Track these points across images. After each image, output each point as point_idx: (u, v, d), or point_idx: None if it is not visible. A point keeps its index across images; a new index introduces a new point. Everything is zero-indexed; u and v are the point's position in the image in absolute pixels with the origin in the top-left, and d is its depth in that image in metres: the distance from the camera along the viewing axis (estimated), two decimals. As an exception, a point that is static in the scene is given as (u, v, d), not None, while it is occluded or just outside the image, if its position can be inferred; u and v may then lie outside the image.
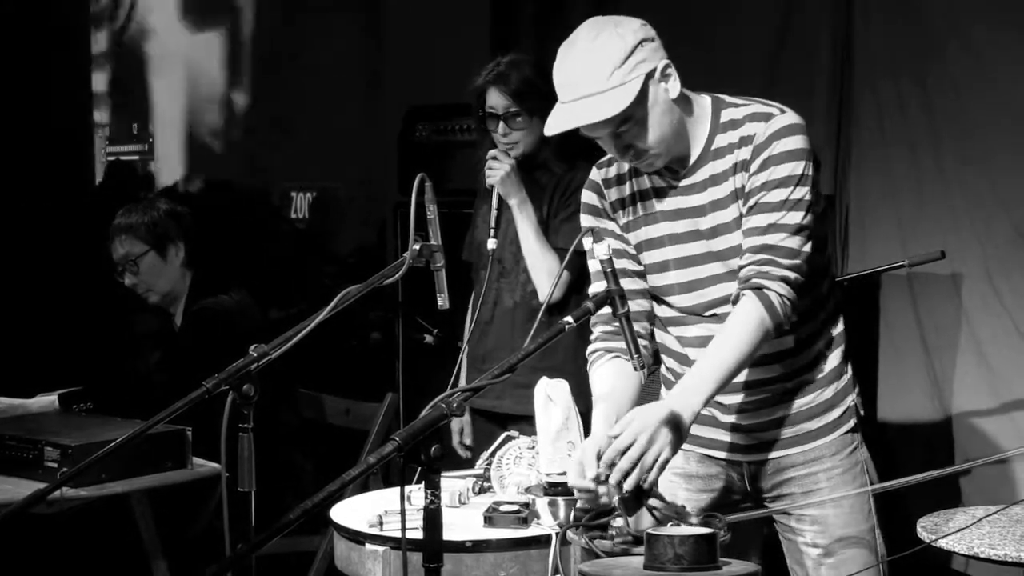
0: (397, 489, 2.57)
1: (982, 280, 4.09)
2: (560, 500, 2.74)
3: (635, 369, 2.56)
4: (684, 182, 2.66)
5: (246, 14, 7.58)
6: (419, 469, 2.15)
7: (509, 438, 3.12)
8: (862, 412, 2.80)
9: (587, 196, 2.78)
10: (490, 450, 3.14)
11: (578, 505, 2.49)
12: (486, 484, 3.12)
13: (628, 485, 2.34)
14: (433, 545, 2.14)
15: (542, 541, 2.75)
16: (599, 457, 2.38)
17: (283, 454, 4.31)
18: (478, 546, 2.74)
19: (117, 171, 8.21)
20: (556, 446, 2.93)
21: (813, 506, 2.72)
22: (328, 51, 7.03)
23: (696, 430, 2.77)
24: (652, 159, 2.61)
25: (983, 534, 3.06)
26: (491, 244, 3.68)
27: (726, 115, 2.64)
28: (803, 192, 2.55)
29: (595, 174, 2.78)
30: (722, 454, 2.77)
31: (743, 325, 2.50)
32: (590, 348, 2.77)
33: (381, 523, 2.86)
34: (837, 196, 4.44)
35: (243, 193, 7.32)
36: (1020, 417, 4.02)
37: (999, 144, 4.05)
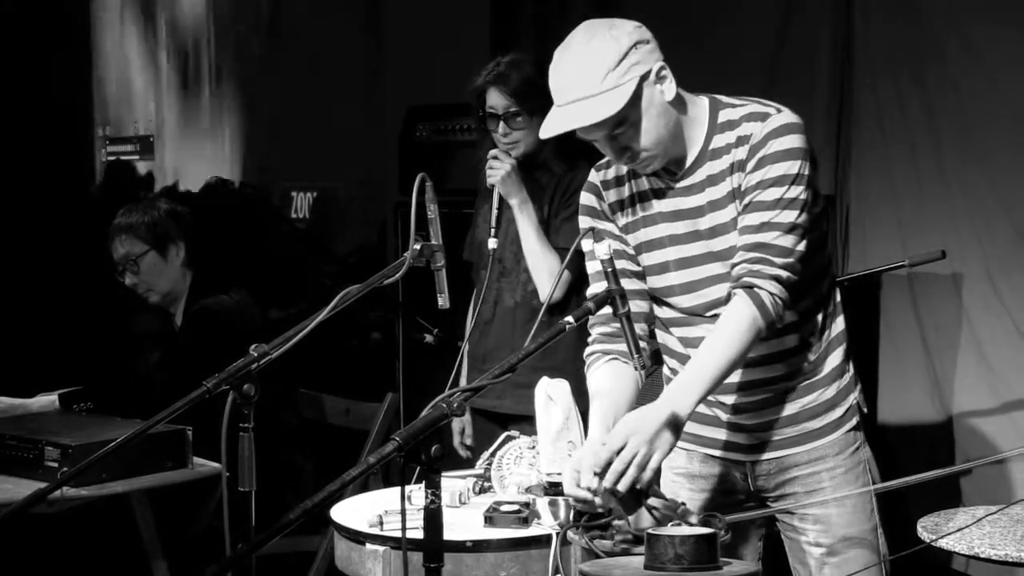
0: (397, 489, 2.57)
1: (982, 280, 4.09)
2: (560, 500, 2.73)
3: (636, 369, 2.56)
4: (682, 183, 2.66)
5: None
6: (419, 469, 2.15)
7: (509, 438, 3.12)
8: (865, 409, 2.80)
9: (585, 198, 2.78)
10: (490, 450, 3.14)
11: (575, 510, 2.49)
12: (486, 484, 3.12)
13: (622, 486, 2.34)
14: (433, 545, 2.14)
15: (542, 541, 2.75)
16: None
17: (283, 454, 4.31)
18: (478, 546, 2.74)
19: (117, 171, 8.21)
20: (557, 446, 2.93)
21: (816, 505, 2.72)
22: (328, 51, 7.03)
23: (699, 430, 2.78)
24: (649, 161, 2.60)
25: (983, 534, 3.06)
26: (492, 244, 3.68)
27: (723, 115, 2.64)
28: (798, 191, 2.54)
29: (593, 176, 2.78)
30: (725, 454, 2.77)
31: (734, 325, 2.49)
32: (587, 350, 2.77)
33: (381, 523, 2.86)
34: (837, 196, 4.44)
35: (243, 193, 7.32)
36: (1020, 417, 4.02)
37: (999, 144, 4.05)
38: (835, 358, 2.74)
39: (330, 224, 7.02)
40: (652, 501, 2.37)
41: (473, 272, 3.95)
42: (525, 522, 2.82)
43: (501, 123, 3.69)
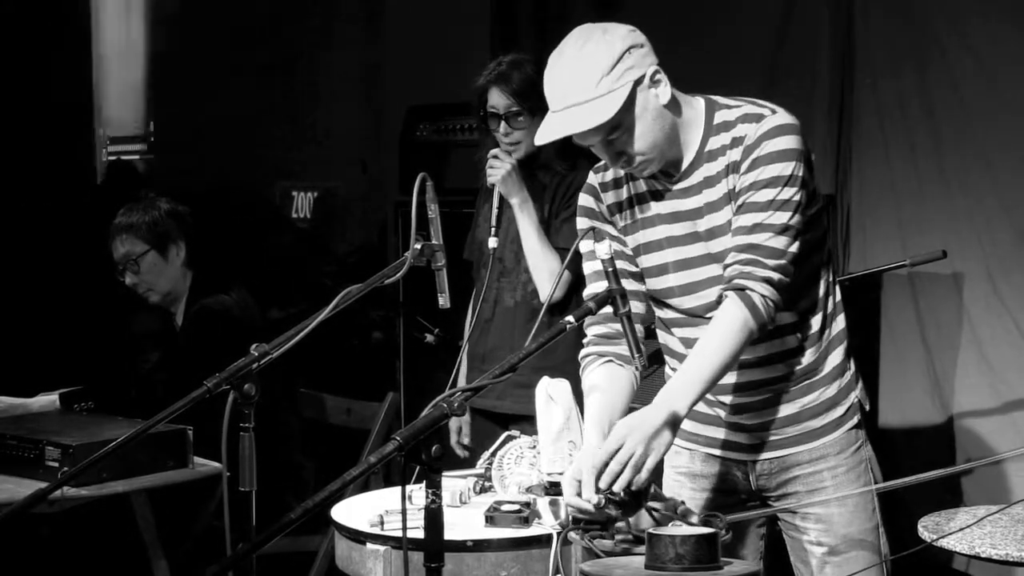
0: (398, 488, 2.57)
1: (983, 280, 4.09)
2: (561, 500, 2.73)
3: (636, 370, 2.56)
4: (679, 185, 2.66)
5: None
6: (420, 468, 2.15)
7: (510, 437, 3.12)
8: (867, 407, 2.80)
9: (584, 199, 2.78)
10: (491, 450, 3.14)
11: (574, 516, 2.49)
12: (487, 484, 3.12)
13: (618, 487, 2.34)
14: (434, 545, 2.14)
15: (543, 541, 2.75)
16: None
17: (284, 454, 4.31)
18: (479, 546, 2.74)
19: (118, 171, 8.21)
20: (557, 446, 2.93)
21: (817, 505, 2.72)
22: (329, 50, 7.03)
23: (700, 429, 2.78)
24: (645, 165, 2.60)
25: (984, 534, 3.06)
26: (492, 243, 3.68)
27: (719, 117, 2.64)
28: (791, 192, 2.53)
29: (592, 178, 2.78)
30: (726, 453, 2.78)
31: (726, 327, 2.50)
32: (583, 352, 2.77)
33: (382, 523, 2.86)
34: (838, 196, 4.44)
35: (243, 193, 7.32)
36: (1021, 417, 4.02)
37: (1000, 143, 4.05)
38: (836, 357, 2.74)
39: (331, 224, 7.02)
40: (652, 502, 2.37)
41: (473, 271, 3.95)
42: (526, 522, 2.82)
43: (502, 123, 3.69)
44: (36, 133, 7.16)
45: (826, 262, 2.74)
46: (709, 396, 2.72)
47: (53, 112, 7.37)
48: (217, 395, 2.48)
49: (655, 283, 2.72)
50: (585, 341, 2.77)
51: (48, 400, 4.16)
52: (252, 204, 7.29)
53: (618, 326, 2.68)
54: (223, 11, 7.41)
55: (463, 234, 4.00)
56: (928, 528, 3.17)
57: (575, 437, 2.81)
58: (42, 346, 6.34)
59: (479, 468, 3.20)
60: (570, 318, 2.43)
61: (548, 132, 2.55)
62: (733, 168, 2.58)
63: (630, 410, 3.67)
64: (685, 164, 2.64)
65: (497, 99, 3.69)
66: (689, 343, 2.72)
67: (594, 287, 2.73)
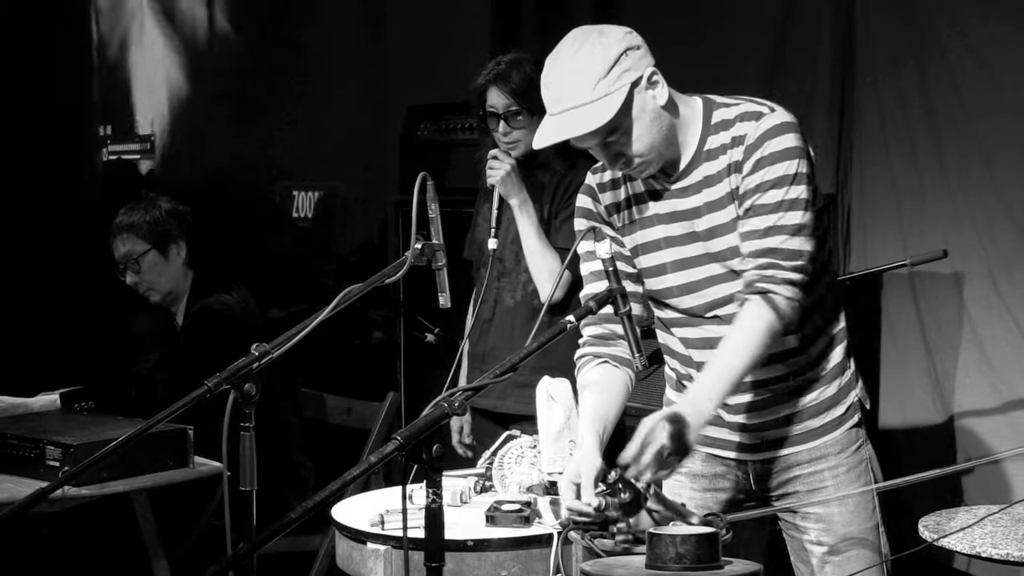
0: (399, 488, 2.57)
1: (984, 279, 4.08)
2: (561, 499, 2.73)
3: (637, 369, 2.56)
4: (678, 184, 2.65)
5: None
6: (420, 468, 2.15)
7: (511, 437, 3.12)
8: (867, 406, 2.80)
9: (582, 200, 2.78)
10: (492, 449, 3.14)
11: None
12: (488, 483, 3.12)
13: (642, 482, 2.35)
14: (435, 544, 2.14)
15: (544, 540, 2.75)
16: (599, 478, 2.41)
17: (285, 453, 4.31)
18: (480, 545, 2.74)
19: (119, 170, 8.21)
20: (558, 445, 2.93)
21: (818, 504, 2.72)
22: (330, 50, 7.03)
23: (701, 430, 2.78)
24: (643, 167, 2.61)
25: (985, 533, 3.06)
26: (492, 244, 3.69)
27: (718, 115, 2.64)
28: (799, 191, 2.54)
29: (590, 179, 2.78)
30: (727, 453, 2.77)
31: (750, 329, 2.50)
32: (578, 353, 2.77)
33: (383, 522, 2.86)
34: (838, 195, 4.43)
35: (244, 192, 7.32)
36: (1021, 416, 4.01)
37: (1001, 142, 4.05)
38: (836, 356, 2.75)
39: (332, 223, 7.02)
40: (652, 503, 2.37)
41: (473, 271, 3.95)
42: (526, 521, 2.82)
43: (501, 122, 3.69)
44: (36, 133, 7.15)
45: (826, 261, 2.74)
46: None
47: (53, 112, 7.37)
48: (218, 395, 2.48)
49: (654, 283, 2.72)
50: (581, 342, 2.77)
51: (49, 400, 4.16)
52: (253, 204, 7.29)
53: (614, 327, 2.68)
54: (223, 11, 7.41)
55: (464, 234, 4.00)
56: (929, 528, 3.17)
57: (576, 437, 2.81)
58: (42, 346, 6.34)
59: (480, 468, 3.20)
60: (571, 317, 2.43)
61: (546, 136, 2.56)
62: (735, 168, 2.58)
63: (629, 410, 3.69)
64: (683, 164, 2.64)
65: (496, 99, 3.69)
66: (689, 343, 2.72)
67: (591, 288, 2.73)
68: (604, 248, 2.49)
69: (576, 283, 3.58)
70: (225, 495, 2.55)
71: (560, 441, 2.93)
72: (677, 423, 2.39)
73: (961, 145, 4.14)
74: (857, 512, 2.74)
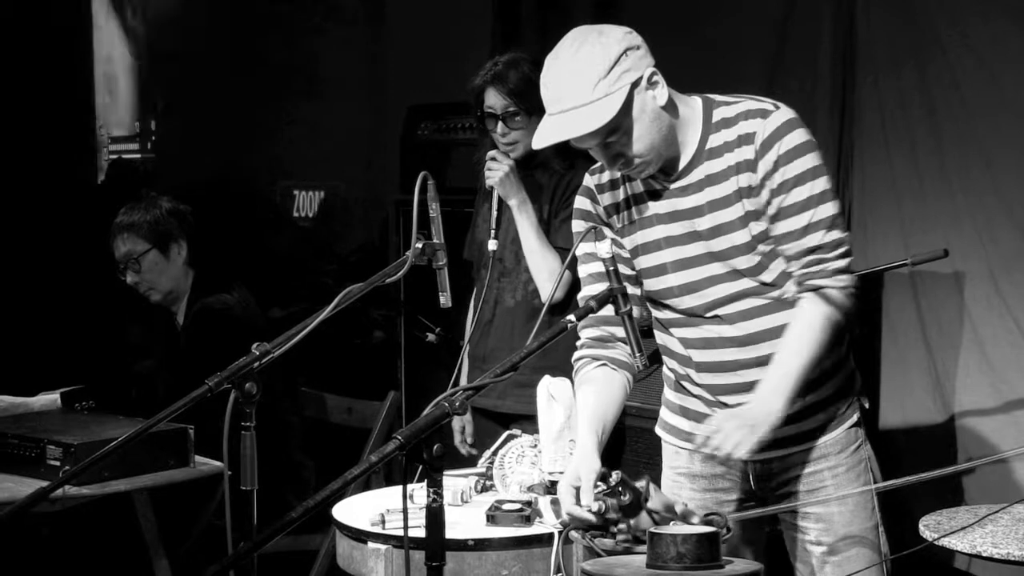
0: (399, 487, 2.57)
1: (985, 279, 4.08)
2: (562, 499, 2.73)
3: (637, 369, 2.56)
4: (678, 183, 2.66)
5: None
6: (421, 467, 2.15)
7: (511, 436, 3.12)
8: (867, 406, 2.81)
9: (580, 202, 2.78)
10: (492, 448, 3.14)
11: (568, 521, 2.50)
12: (488, 483, 3.12)
13: (640, 484, 2.38)
14: (435, 544, 2.14)
15: (544, 540, 2.75)
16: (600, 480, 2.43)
17: (285, 453, 4.31)
18: (480, 545, 2.74)
19: (119, 169, 8.21)
20: (559, 444, 2.94)
21: (818, 504, 2.72)
22: (330, 49, 7.03)
23: (700, 429, 2.77)
24: (643, 167, 2.61)
25: (985, 533, 3.06)
26: (492, 245, 3.69)
27: (718, 114, 2.64)
28: (823, 183, 2.59)
29: (588, 180, 2.78)
30: (728, 453, 2.77)
31: (808, 326, 2.58)
32: (576, 355, 2.77)
33: (383, 522, 2.86)
34: (839, 194, 4.43)
35: (245, 192, 7.32)
36: (1022, 416, 4.01)
37: (1001, 142, 4.05)
38: (835, 355, 2.74)
39: (332, 223, 7.02)
40: (651, 504, 2.37)
41: (473, 271, 3.95)
42: (527, 521, 2.82)
43: (500, 123, 3.69)
44: (37, 133, 7.16)
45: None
46: (709, 397, 2.73)
47: (54, 112, 7.37)
48: (218, 394, 2.48)
49: (653, 284, 2.72)
50: (578, 344, 2.77)
51: (49, 399, 4.16)
52: (253, 203, 7.29)
53: (613, 329, 2.69)
54: (224, 10, 7.41)
55: (464, 233, 4.00)
56: (929, 527, 3.17)
57: (576, 436, 2.81)
58: (43, 345, 6.34)
59: (480, 467, 3.20)
60: (571, 317, 2.43)
61: (545, 136, 2.56)
62: (746, 166, 2.59)
63: (629, 409, 3.69)
64: (683, 162, 2.64)
65: (494, 99, 3.69)
66: (688, 343, 2.72)
67: (589, 290, 2.73)
68: (605, 247, 2.49)
69: (576, 283, 3.58)
70: (226, 494, 2.55)
71: (561, 440, 2.93)
72: (746, 420, 2.50)
73: (961, 145, 4.14)
74: (857, 512, 2.74)
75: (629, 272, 2.72)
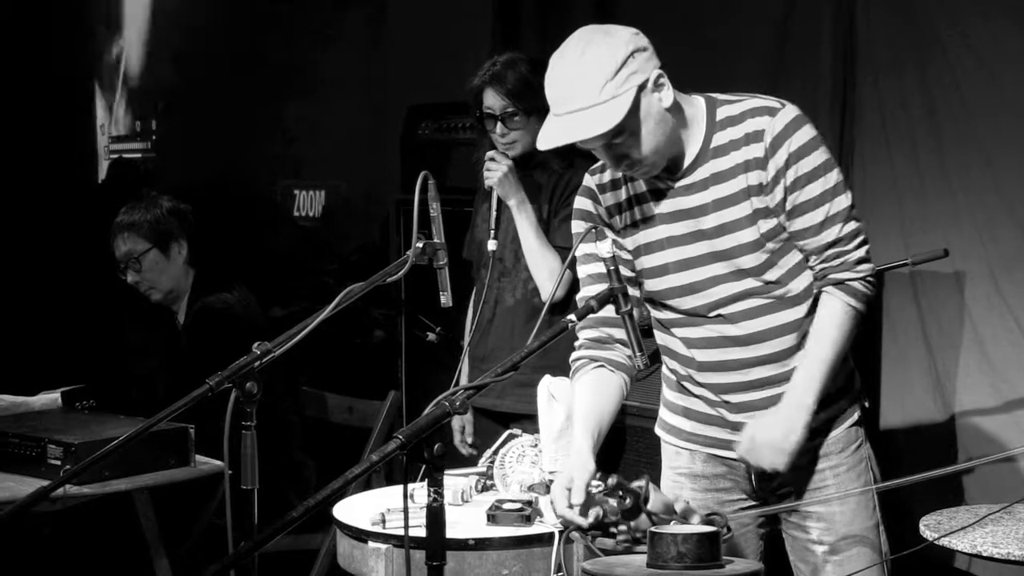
0: (400, 487, 2.57)
1: (985, 278, 4.08)
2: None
3: (637, 368, 2.56)
4: (682, 182, 2.65)
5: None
6: (422, 467, 2.15)
7: (512, 436, 3.12)
8: (867, 404, 2.81)
9: (581, 202, 2.78)
10: (493, 448, 3.14)
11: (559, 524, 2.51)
12: (489, 482, 3.12)
13: (638, 484, 2.38)
14: (436, 543, 2.14)
15: (545, 539, 2.75)
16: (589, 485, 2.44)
17: (286, 452, 4.31)
18: (481, 544, 2.75)
19: (120, 169, 8.22)
20: (559, 444, 2.94)
21: (819, 503, 2.72)
22: (330, 49, 7.03)
23: (703, 430, 2.78)
24: (648, 169, 2.61)
25: (986, 532, 3.05)
26: (491, 245, 3.69)
27: (722, 112, 2.64)
28: (835, 177, 2.62)
29: (589, 180, 2.77)
30: (729, 453, 2.77)
31: (830, 319, 2.62)
32: (574, 355, 2.77)
33: (384, 521, 2.86)
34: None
35: (245, 191, 7.32)
36: (1023, 415, 4.01)
37: (1002, 142, 4.04)
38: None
39: (333, 222, 7.02)
40: (651, 505, 2.37)
41: (473, 271, 3.95)
42: (528, 520, 2.82)
43: (498, 123, 3.69)
44: (38, 133, 7.16)
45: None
46: (712, 396, 2.73)
47: (54, 111, 7.37)
48: (219, 393, 2.48)
49: (654, 284, 2.72)
50: (576, 344, 2.77)
51: (50, 398, 4.16)
52: (254, 203, 7.30)
53: (611, 330, 2.69)
54: (224, 10, 7.41)
55: (464, 233, 4.00)
56: (930, 527, 3.16)
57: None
58: (44, 344, 6.35)
59: (481, 466, 3.20)
60: (572, 316, 2.43)
61: (551, 137, 2.55)
62: (756, 164, 2.59)
63: (629, 409, 3.69)
64: (687, 161, 2.64)
65: (492, 100, 3.69)
66: (691, 343, 2.72)
67: (588, 290, 2.73)
68: (605, 247, 2.49)
69: (577, 282, 3.58)
70: (226, 494, 2.55)
71: (561, 440, 2.93)
72: (787, 426, 2.60)
73: (962, 144, 4.14)
74: (858, 511, 2.74)
75: (629, 273, 2.72)
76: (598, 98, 2.49)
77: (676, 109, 2.59)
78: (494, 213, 3.70)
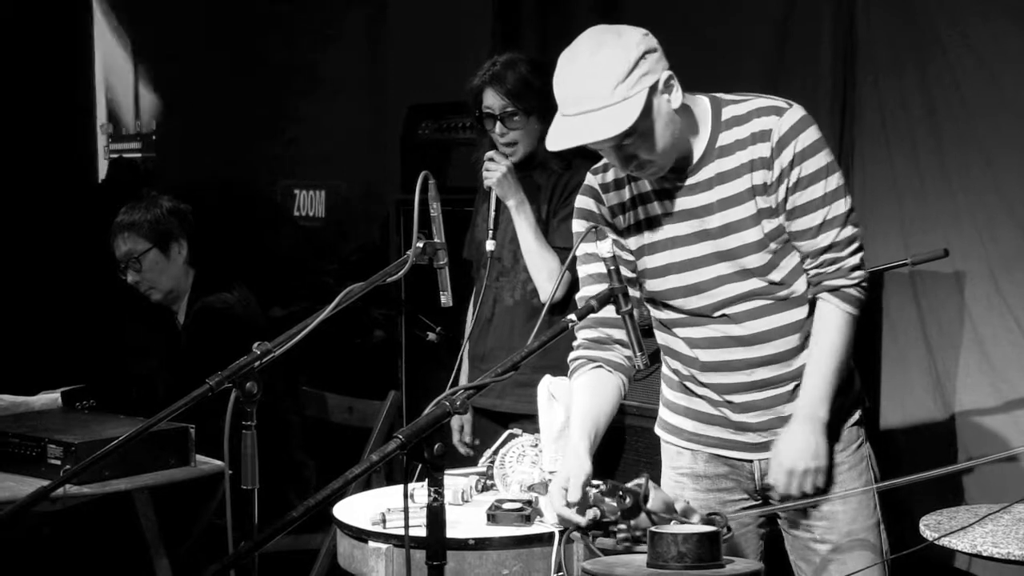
0: (400, 487, 2.57)
1: (985, 278, 4.08)
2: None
3: (637, 368, 2.56)
4: (687, 182, 2.65)
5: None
6: (422, 467, 2.15)
7: (512, 436, 3.12)
8: (867, 404, 2.81)
9: (583, 201, 2.77)
10: (493, 448, 3.14)
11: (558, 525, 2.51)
12: (489, 482, 3.12)
13: (635, 484, 2.36)
14: (436, 543, 2.14)
15: (545, 539, 2.75)
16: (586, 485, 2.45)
17: (286, 452, 4.31)
18: (481, 544, 2.75)
19: (120, 168, 8.21)
20: (559, 444, 2.94)
21: (821, 502, 2.72)
22: (330, 48, 7.03)
23: (706, 430, 2.78)
24: (656, 170, 2.61)
25: (986, 532, 3.05)
26: (490, 245, 3.69)
27: (728, 112, 2.64)
28: (836, 180, 2.62)
29: (591, 179, 2.77)
30: (732, 453, 2.77)
31: (831, 329, 2.64)
32: (572, 355, 2.77)
33: (384, 521, 2.86)
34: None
35: (245, 191, 7.32)
36: (1023, 415, 4.01)
37: (1001, 142, 4.05)
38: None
39: (333, 222, 7.02)
40: (651, 504, 2.37)
41: (473, 271, 3.95)
42: (528, 520, 2.82)
43: (498, 123, 3.69)
44: (37, 132, 7.16)
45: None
46: (715, 397, 2.73)
47: (54, 111, 7.37)
48: (219, 393, 2.48)
49: (656, 284, 2.72)
50: (575, 344, 2.77)
51: (50, 398, 4.16)
52: (254, 202, 7.29)
53: (610, 331, 2.69)
54: (224, 10, 7.41)
55: (465, 233, 4.00)
56: (930, 526, 3.16)
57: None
58: (44, 344, 6.34)
59: (481, 466, 3.20)
60: (572, 316, 2.43)
61: (562, 138, 2.53)
62: (762, 164, 2.59)
63: (629, 409, 3.69)
64: (693, 161, 2.64)
65: (492, 100, 3.69)
66: (694, 343, 2.72)
67: (588, 290, 2.73)
68: (606, 247, 2.49)
69: (576, 282, 3.58)
70: (227, 494, 2.55)
71: (561, 440, 2.93)
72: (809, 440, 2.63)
73: (962, 144, 4.14)
74: (860, 510, 2.74)
75: (630, 273, 2.72)
76: (610, 99, 2.48)
77: (683, 110, 2.59)
78: (492, 213, 3.70)
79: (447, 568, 2.16)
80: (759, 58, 4.65)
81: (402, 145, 5.31)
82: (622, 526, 2.37)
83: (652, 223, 2.69)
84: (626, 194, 2.72)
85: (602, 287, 2.52)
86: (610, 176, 2.74)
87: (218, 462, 3.75)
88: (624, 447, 3.81)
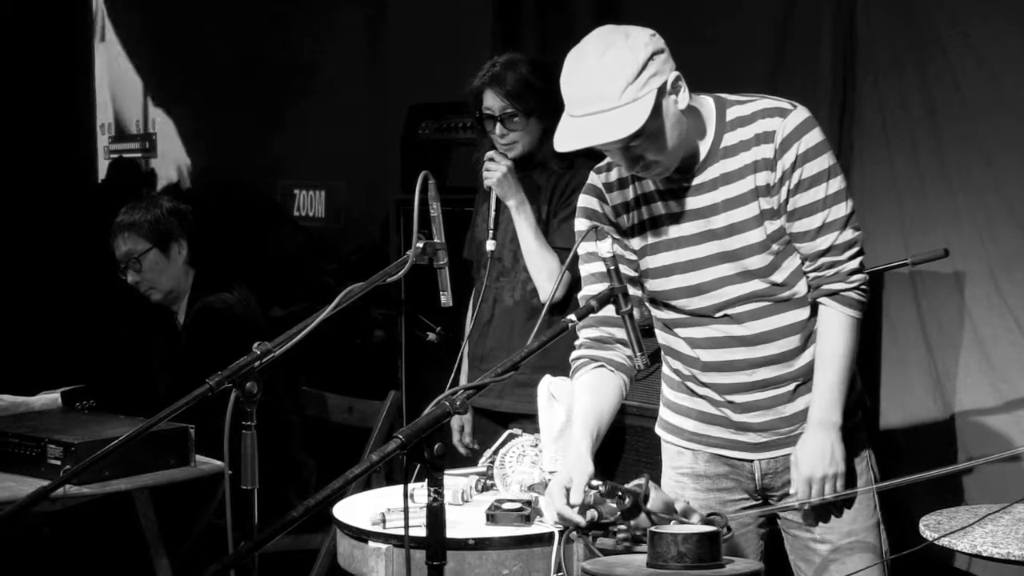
0: (400, 487, 2.57)
1: (985, 278, 4.08)
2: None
3: (638, 368, 2.56)
4: (692, 183, 2.65)
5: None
6: (422, 467, 2.15)
7: (512, 436, 3.12)
8: (867, 403, 2.81)
9: (586, 201, 2.77)
10: (493, 448, 3.14)
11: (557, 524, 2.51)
12: (489, 482, 3.12)
13: (635, 484, 2.36)
14: (436, 543, 2.14)
15: (545, 539, 2.75)
16: (590, 487, 2.44)
17: (286, 452, 4.31)
18: (481, 544, 2.74)
19: (120, 169, 8.22)
20: (559, 444, 2.94)
21: (821, 502, 2.72)
22: (330, 48, 7.03)
23: (707, 430, 2.78)
24: (662, 170, 2.60)
25: (986, 532, 3.05)
26: (490, 246, 3.69)
27: (732, 112, 2.64)
28: (837, 184, 2.61)
29: (595, 179, 2.76)
30: (733, 453, 2.77)
31: (836, 334, 2.65)
32: (574, 355, 2.77)
33: (384, 521, 2.86)
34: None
35: (245, 191, 7.33)
36: (1023, 415, 4.01)
37: (1001, 141, 4.05)
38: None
39: (333, 222, 7.02)
40: (651, 504, 2.37)
41: (473, 271, 3.95)
42: (527, 520, 2.82)
43: (498, 124, 3.69)
44: (37, 133, 7.16)
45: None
46: (716, 397, 2.73)
47: (54, 112, 7.37)
48: (219, 393, 2.48)
49: (659, 284, 2.71)
50: (577, 344, 2.77)
51: (50, 398, 4.16)
52: (254, 202, 7.30)
53: (612, 330, 2.69)
54: (224, 10, 7.41)
55: (465, 232, 4.00)
56: (929, 526, 3.16)
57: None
58: (44, 344, 6.34)
59: (481, 466, 3.20)
60: (572, 316, 2.43)
61: (570, 139, 2.52)
62: (765, 165, 2.59)
63: (629, 408, 3.69)
64: (698, 161, 2.64)
65: (492, 100, 3.69)
66: (696, 343, 2.71)
67: (589, 290, 2.73)
68: (606, 247, 2.49)
69: (576, 282, 3.58)
70: (226, 494, 2.55)
71: (562, 440, 2.93)
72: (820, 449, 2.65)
73: (962, 144, 4.14)
74: (860, 510, 2.74)
75: (631, 273, 2.72)
76: (619, 100, 2.47)
77: (688, 110, 2.59)
78: (493, 213, 3.70)
79: (447, 568, 2.16)
80: (759, 58, 4.65)
81: (402, 145, 5.31)
82: (622, 526, 2.37)
83: (656, 223, 2.69)
84: (630, 194, 2.72)
85: (603, 286, 2.52)
86: (614, 175, 2.74)
87: (218, 462, 3.75)
88: (624, 447, 3.81)
